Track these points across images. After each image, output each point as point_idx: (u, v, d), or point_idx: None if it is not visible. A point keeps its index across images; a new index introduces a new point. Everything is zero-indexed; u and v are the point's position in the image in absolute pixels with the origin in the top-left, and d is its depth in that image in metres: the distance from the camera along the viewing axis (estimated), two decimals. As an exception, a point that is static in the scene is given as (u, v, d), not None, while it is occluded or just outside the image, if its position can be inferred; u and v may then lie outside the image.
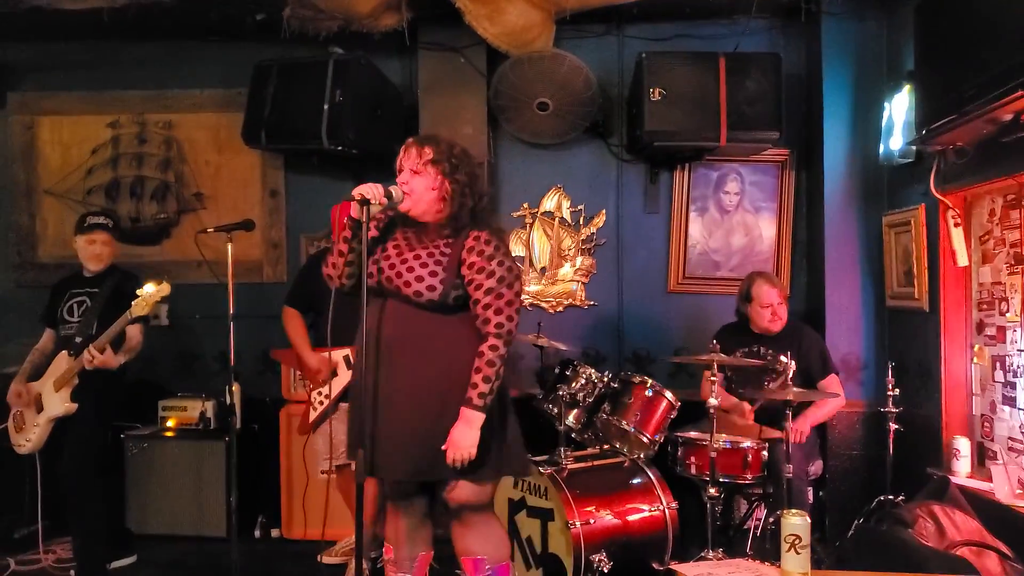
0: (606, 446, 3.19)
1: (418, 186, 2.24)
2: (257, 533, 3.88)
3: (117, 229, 3.48)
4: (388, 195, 2.21)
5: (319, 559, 3.50)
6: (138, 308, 3.04)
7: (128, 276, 3.39)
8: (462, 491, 2.26)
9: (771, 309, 3.34)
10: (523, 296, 3.44)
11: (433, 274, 2.20)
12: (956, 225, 3.20)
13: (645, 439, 3.02)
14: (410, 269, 2.22)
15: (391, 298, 2.25)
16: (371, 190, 2.16)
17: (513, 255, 2.37)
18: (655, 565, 2.92)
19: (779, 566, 1.96)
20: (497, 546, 2.33)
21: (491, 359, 2.16)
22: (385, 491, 2.42)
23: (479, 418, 2.14)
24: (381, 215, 2.32)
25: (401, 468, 2.23)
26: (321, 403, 3.31)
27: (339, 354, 3.24)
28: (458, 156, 2.27)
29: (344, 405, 3.22)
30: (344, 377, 3.24)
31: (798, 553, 1.91)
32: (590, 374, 3.12)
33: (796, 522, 1.90)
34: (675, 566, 2.02)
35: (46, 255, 4.29)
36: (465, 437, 2.13)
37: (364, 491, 2.92)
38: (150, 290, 3.04)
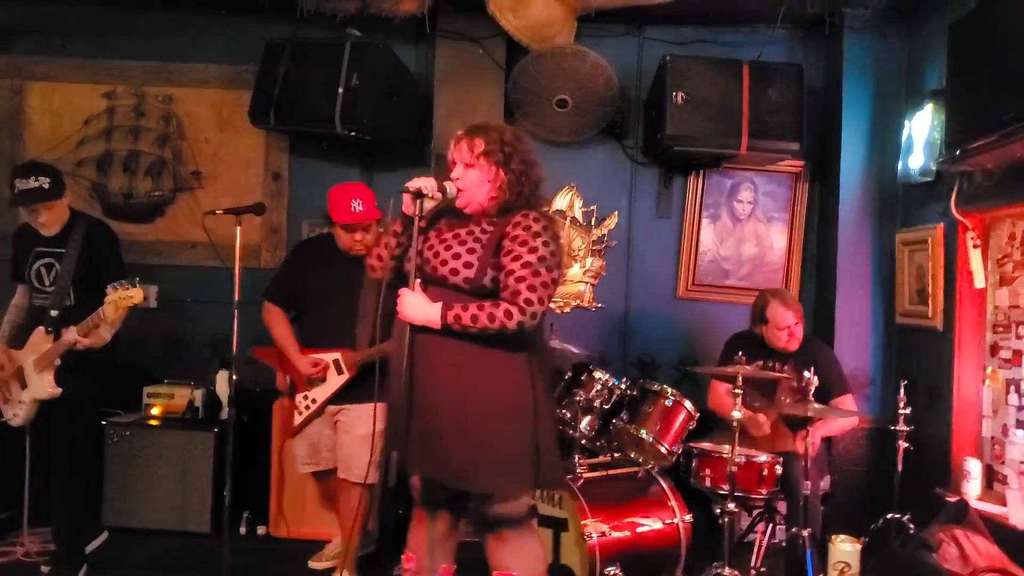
0: (618, 454, 3.11)
1: (472, 180, 2.14)
2: (242, 530, 3.71)
3: (58, 183, 2.99)
4: (442, 190, 2.12)
5: (310, 565, 3.36)
6: (109, 310, 2.82)
7: (95, 227, 3.10)
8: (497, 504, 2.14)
9: (788, 331, 3.24)
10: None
11: (471, 251, 2.08)
12: (975, 246, 3.20)
13: (663, 449, 2.94)
14: (448, 248, 2.11)
15: (430, 286, 2.13)
16: (426, 183, 2.07)
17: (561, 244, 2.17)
18: (666, 579, 2.86)
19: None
20: (532, 562, 2.20)
21: (496, 316, 1.98)
22: (418, 496, 2.29)
23: (434, 317, 2.03)
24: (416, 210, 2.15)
25: (432, 467, 2.10)
26: (307, 407, 3.14)
27: (329, 357, 3.08)
28: (510, 143, 2.14)
29: (331, 408, 3.08)
30: (333, 383, 3.07)
31: (845, 579, 1.87)
32: (606, 380, 3.04)
33: (847, 549, 1.86)
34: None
35: (30, 228, 4.06)
36: (417, 305, 2.05)
37: (351, 493, 2.83)
38: (124, 292, 2.81)
